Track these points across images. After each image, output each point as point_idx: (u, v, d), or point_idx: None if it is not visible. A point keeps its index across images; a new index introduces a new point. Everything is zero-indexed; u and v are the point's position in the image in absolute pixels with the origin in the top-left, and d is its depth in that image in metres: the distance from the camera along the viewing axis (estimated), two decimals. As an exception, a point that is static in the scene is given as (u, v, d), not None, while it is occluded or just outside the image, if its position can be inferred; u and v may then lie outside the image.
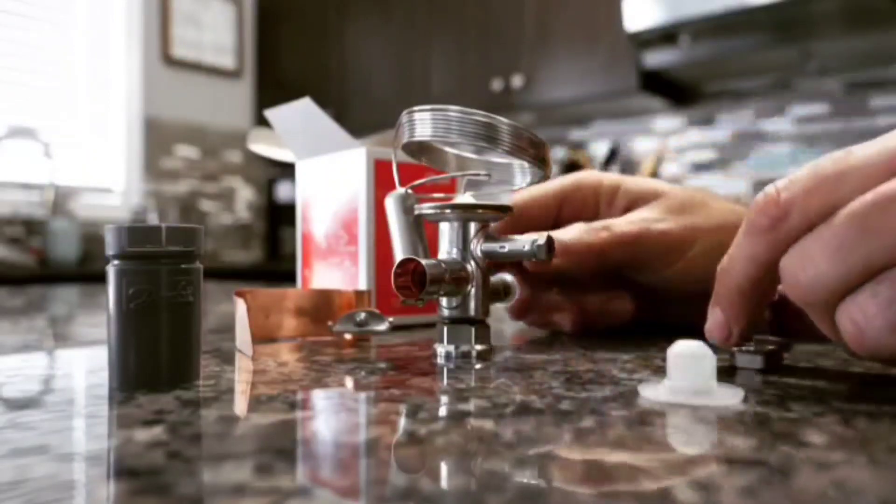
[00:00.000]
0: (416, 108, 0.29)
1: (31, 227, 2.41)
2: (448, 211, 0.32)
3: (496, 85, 2.28)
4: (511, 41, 2.26)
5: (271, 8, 3.04)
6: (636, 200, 0.40)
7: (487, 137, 0.30)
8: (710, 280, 0.28)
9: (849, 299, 0.22)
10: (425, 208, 0.33)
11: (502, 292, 0.37)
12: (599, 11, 2.06)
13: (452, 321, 0.33)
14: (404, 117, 0.31)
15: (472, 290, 0.32)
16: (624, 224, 0.37)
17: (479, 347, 0.32)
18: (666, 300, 0.41)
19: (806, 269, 0.23)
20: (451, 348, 0.32)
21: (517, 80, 2.22)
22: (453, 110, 0.29)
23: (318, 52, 2.83)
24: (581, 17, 2.10)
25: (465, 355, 0.32)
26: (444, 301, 0.32)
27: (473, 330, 0.32)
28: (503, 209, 0.33)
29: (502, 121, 0.30)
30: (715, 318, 0.28)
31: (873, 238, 0.21)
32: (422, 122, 0.30)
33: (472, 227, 0.33)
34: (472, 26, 2.38)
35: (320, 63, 2.83)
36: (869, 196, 0.21)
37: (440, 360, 0.32)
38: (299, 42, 2.92)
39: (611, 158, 2.33)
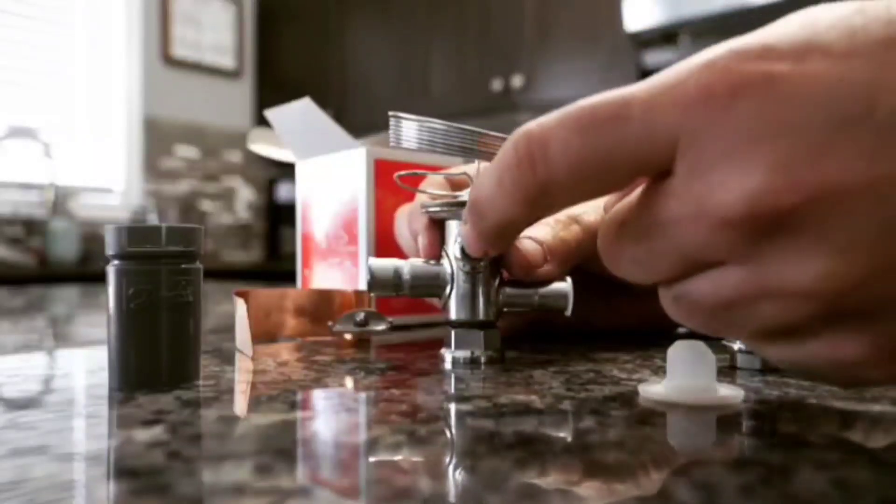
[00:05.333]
0: (402, 115, 0.29)
1: (31, 227, 2.41)
2: (439, 209, 0.32)
3: (496, 85, 2.28)
4: (511, 41, 2.26)
5: (271, 8, 3.04)
6: None
7: (474, 151, 0.29)
8: None
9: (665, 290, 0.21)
10: (428, 204, 0.32)
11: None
12: (599, 11, 2.06)
13: (460, 325, 0.31)
14: (392, 121, 0.30)
15: (453, 292, 0.31)
16: (592, 214, 0.35)
17: (488, 353, 0.31)
18: (626, 296, 0.40)
19: (614, 269, 0.22)
20: (459, 354, 0.31)
21: (517, 80, 2.22)
22: (438, 123, 0.29)
23: (318, 52, 2.83)
24: (581, 17, 2.10)
25: (474, 361, 0.31)
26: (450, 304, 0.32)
27: (482, 335, 0.31)
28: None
29: (490, 134, 0.29)
30: (470, 236, 0.25)
31: (659, 262, 0.20)
32: (408, 132, 0.29)
33: (454, 225, 0.31)
34: (472, 26, 2.38)
35: (320, 63, 2.82)
36: (646, 217, 0.20)
37: (447, 367, 0.30)
38: (299, 42, 2.92)
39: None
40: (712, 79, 0.18)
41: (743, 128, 0.17)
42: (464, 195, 0.32)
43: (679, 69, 0.19)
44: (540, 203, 0.21)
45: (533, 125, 0.21)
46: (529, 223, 0.24)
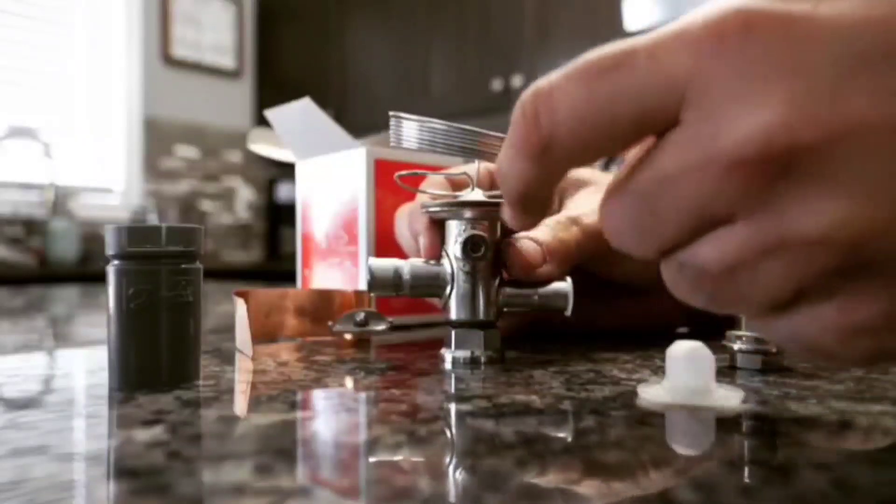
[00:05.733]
0: (402, 115, 0.29)
1: (31, 227, 2.41)
2: (439, 209, 0.31)
3: (496, 85, 2.28)
4: (511, 41, 2.26)
5: (271, 8, 3.04)
6: (565, 188, 0.39)
7: (474, 151, 0.29)
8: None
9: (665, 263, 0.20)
10: (428, 205, 0.32)
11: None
12: (599, 11, 2.06)
13: (460, 325, 0.31)
14: (392, 121, 0.30)
15: (453, 293, 0.31)
16: (592, 215, 0.35)
17: (488, 353, 0.31)
18: (627, 296, 0.40)
19: (615, 239, 0.20)
20: (459, 354, 0.31)
21: (517, 80, 2.22)
22: (439, 124, 0.29)
23: (318, 52, 2.83)
24: (581, 17, 2.10)
25: (474, 361, 0.31)
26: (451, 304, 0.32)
27: (482, 335, 0.31)
28: (489, 205, 0.31)
29: (491, 134, 0.29)
30: (504, 210, 0.24)
31: (663, 224, 0.18)
32: (408, 132, 0.29)
33: (454, 225, 0.31)
34: (472, 26, 2.38)
35: (320, 63, 2.82)
36: (650, 172, 0.18)
37: (447, 367, 0.31)
38: (299, 42, 2.92)
39: (612, 158, 2.33)
40: (724, 19, 0.17)
41: (757, 66, 0.16)
42: (464, 195, 0.32)
43: (688, 18, 0.18)
44: (547, 159, 0.20)
45: (541, 81, 0.20)
46: (548, 185, 0.22)
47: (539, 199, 0.23)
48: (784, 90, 0.16)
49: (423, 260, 0.32)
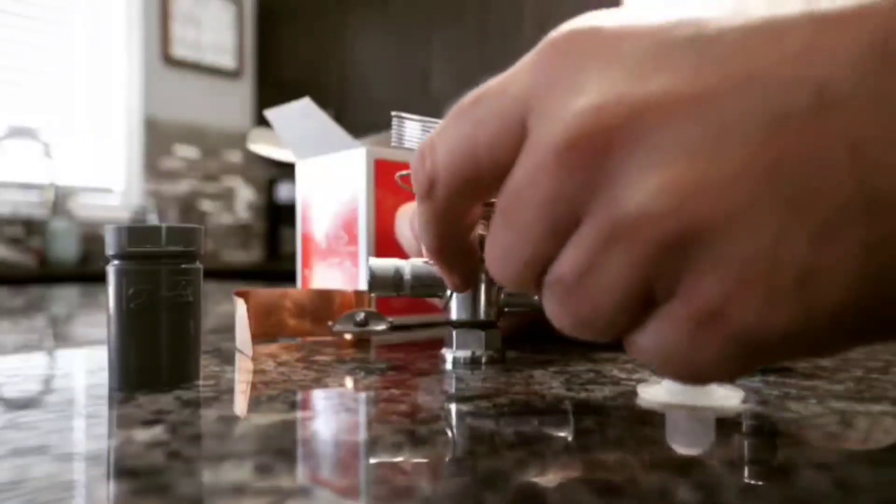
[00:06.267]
0: (405, 115, 0.29)
1: (31, 227, 2.41)
2: None
3: (496, 85, 2.28)
4: (511, 41, 2.26)
5: (271, 8, 3.04)
6: None
7: None
8: None
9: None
10: None
11: None
12: (599, 11, 2.06)
13: (460, 325, 0.31)
14: (394, 121, 0.30)
15: (453, 293, 0.31)
16: None
17: (488, 353, 0.31)
18: None
19: (490, 266, 0.20)
20: (460, 354, 0.31)
21: (517, 80, 2.22)
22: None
23: (318, 52, 2.83)
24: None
25: (475, 361, 0.31)
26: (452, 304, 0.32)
27: (483, 335, 0.31)
28: (488, 204, 0.31)
29: None
30: (444, 276, 0.27)
31: (522, 238, 0.19)
32: (411, 132, 0.29)
33: None
34: (472, 26, 2.38)
35: (320, 63, 2.82)
36: (506, 186, 0.19)
37: (448, 367, 0.31)
38: (299, 42, 2.92)
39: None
40: (550, 40, 0.19)
41: (577, 66, 0.18)
42: None
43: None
44: (434, 195, 0.22)
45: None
46: (447, 225, 0.23)
47: (451, 249, 0.24)
48: (596, 80, 0.17)
49: (423, 260, 0.32)
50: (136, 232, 0.25)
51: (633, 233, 0.16)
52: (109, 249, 0.25)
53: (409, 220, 0.36)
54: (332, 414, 0.23)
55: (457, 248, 0.25)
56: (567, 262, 0.18)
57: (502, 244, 0.19)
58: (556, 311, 0.19)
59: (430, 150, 0.21)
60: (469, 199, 0.22)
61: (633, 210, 0.16)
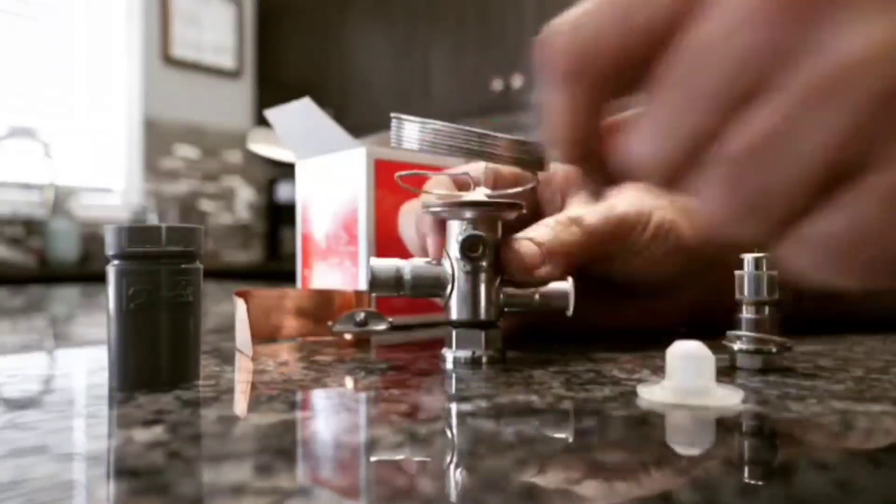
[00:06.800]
0: (404, 116, 0.29)
1: (31, 227, 2.41)
2: (440, 209, 0.31)
3: (496, 85, 2.28)
4: (511, 41, 2.26)
5: (271, 8, 3.04)
6: (568, 186, 0.39)
7: (475, 151, 0.29)
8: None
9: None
10: (430, 204, 0.32)
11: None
12: (599, 11, 2.06)
13: (460, 325, 0.31)
14: (393, 122, 0.30)
15: (454, 293, 0.31)
16: (593, 216, 0.35)
17: (489, 353, 0.31)
18: (627, 297, 0.39)
19: (644, 149, 0.18)
20: (460, 354, 0.31)
21: (517, 80, 2.22)
22: (440, 125, 0.28)
23: (318, 52, 2.83)
24: (581, 17, 2.10)
25: (475, 361, 0.31)
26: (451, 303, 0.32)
27: (483, 335, 0.31)
28: (488, 205, 0.31)
29: (493, 135, 0.29)
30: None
31: (698, 103, 0.16)
32: (410, 133, 0.29)
33: (455, 225, 0.31)
34: (472, 26, 2.38)
35: (320, 63, 2.82)
36: (684, 44, 0.16)
37: (448, 367, 0.30)
38: (299, 42, 2.92)
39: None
40: None
41: None
42: (465, 195, 0.32)
43: None
44: (569, 79, 0.19)
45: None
46: (587, 114, 0.20)
47: (586, 146, 0.20)
48: None
49: (423, 260, 0.32)
50: (136, 232, 0.25)
51: (856, 81, 0.14)
52: (109, 249, 0.25)
53: (415, 219, 0.36)
54: (332, 414, 0.23)
55: (590, 148, 0.21)
56: (756, 127, 0.15)
57: (669, 115, 0.17)
58: (719, 195, 0.16)
59: (571, 28, 0.18)
60: (606, 84, 0.19)
61: (859, 54, 0.14)
